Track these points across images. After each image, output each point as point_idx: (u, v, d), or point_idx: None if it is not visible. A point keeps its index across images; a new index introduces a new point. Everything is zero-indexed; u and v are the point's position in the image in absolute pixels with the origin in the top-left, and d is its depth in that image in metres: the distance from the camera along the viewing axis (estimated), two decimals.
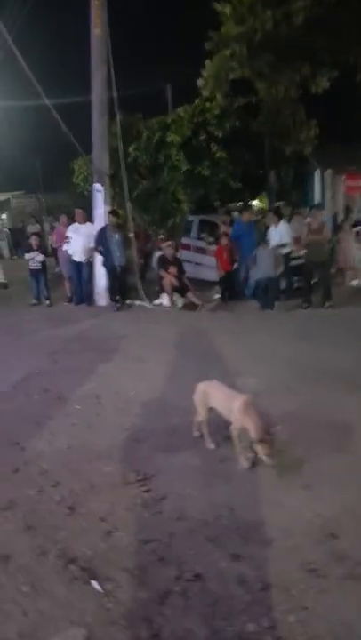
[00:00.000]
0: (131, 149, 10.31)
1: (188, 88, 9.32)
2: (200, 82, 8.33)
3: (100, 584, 2.31)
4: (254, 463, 3.20)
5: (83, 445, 3.68)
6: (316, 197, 16.06)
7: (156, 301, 9.74)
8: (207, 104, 9.83)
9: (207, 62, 8.07)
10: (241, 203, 17.38)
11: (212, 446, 3.49)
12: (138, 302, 9.74)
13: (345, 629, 1.99)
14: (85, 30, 9.28)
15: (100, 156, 9.59)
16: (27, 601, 2.22)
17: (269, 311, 8.61)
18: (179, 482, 3.11)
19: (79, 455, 3.54)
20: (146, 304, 9.64)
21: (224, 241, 9.15)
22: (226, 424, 3.46)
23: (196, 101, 10.00)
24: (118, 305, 9.34)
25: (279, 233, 9.29)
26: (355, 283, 11.11)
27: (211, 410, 3.48)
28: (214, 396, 3.46)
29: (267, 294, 8.78)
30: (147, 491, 3.04)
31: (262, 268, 8.68)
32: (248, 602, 2.17)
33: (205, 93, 8.98)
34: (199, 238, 12.31)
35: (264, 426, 3.11)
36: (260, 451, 3.08)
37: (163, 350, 6.11)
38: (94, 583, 2.32)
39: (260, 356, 5.72)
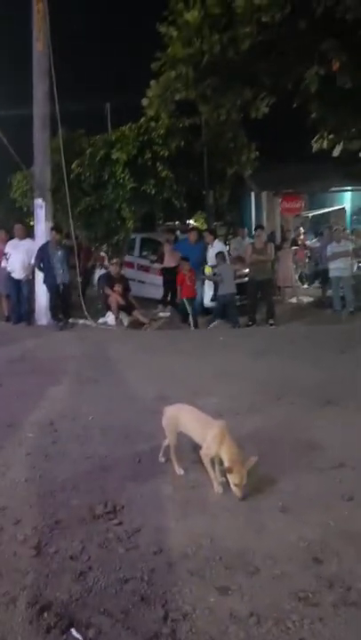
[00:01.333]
0: (74, 165, 10.11)
1: (133, 106, 9.29)
2: (145, 101, 8.34)
3: (81, 632, 2.10)
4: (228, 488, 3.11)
5: (42, 477, 3.42)
6: (253, 218, 16.60)
7: (101, 320, 9.51)
8: (152, 123, 9.86)
9: (152, 82, 8.10)
10: (178, 222, 17.61)
11: (181, 472, 3.35)
12: (82, 321, 9.46)
13: None
14: (29, 43, 9.07)
15: (41, 171, 9.31)
16: None
17: (223, 328, 8.72)
18: (151, 512, 2.95)
19: (39, 488, 3.28)
20: (90, 323, 9.38)
21: (186, 267, 9.15)
22: (194, 447, 3.36)
23: (142, 120, 10.01)
24: (61, 324, 9.02)
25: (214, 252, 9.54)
26: (293, 300, 11.52)
27: (180, 434, 3.36)
28: (186, 421, 3.34)
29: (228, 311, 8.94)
30: (118, 524, 2.85)
31: (227, 284, 8.85)
32: (243, 639, 2.05)
33: (150, 113, 8.99)
34: (142, 256, 12.27)
35: (240, 456, 3.02)
36: (231, 480, 2.98)
37: (115, 371, 5.92)
38: (74, 631, 2.10)
39: (218, 374, 5.68)
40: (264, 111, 9.72)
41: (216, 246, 9.72)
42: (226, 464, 3.00)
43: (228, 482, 3.03)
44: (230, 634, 2.07)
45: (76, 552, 2.62)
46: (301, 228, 14.53)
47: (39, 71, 9.04)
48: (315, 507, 2.93)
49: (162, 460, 3.51)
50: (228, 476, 2.98)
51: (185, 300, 9.10)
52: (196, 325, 9.08)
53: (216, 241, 10.00)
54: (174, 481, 3.29)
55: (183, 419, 3.33)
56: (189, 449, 3.45)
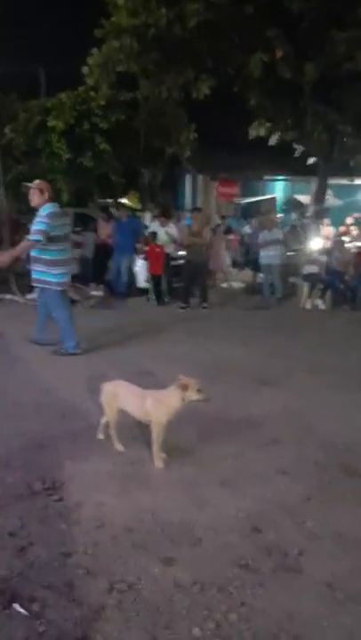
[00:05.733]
0: (7, 130, 9.55)
1: (70, 74, 8.89)
2: (85, 69, 8.02)
3: (25, 606, 2.05)
4: (168, 463, 3.15)
5: None
6: (187, 201, 16.64)
7: (29, 296, 9.14)
8: (92, 93, 9.51)
9: (95, 51, 7.80)
10: (112, 200, 17.27)
11: (121, 449, 3.34)
12: (9, 296, 9.05)
13: (286, 620, 2.04)
14: None
15: None
16: None
17: (155, 308, 8.71)
18: (92, 488, 2.92)
19: None
20: (18, 298, 9.00)
21: (154, 242, 9.03)
22: (132, 424, 3.36)
23: (80, 89, 9.62)
24: None
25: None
26: (225, 285, 11.74)
27: (119, 411, 3.33)
28: (124, 397, 3.31)
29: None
30: (58, 500, 2.80)
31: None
32: (188, 606, 2.10)
33: (90, 82, 8.68)
34: (75, 232, 11.90)
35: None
36: (191, 393, 3.06)
37: (46, 349, 5.74)
38: (17, 606, 2.05)
39: (154, 354, 5.69)
40: (205, 92, 9.74)
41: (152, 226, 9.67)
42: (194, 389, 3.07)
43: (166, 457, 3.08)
44: (175, 602, 2.12)
45: (15, 528, 2.54)
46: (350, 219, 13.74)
47: None
48: (253, 480, 3.04)
49: (100, 437, 3.47)
50: (186, 392, 3.04)
51: (150, 276, 9.05)
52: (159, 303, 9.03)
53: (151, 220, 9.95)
54: (114, 457, 3.27)
55: (121, 394, 3.30)
56: (128, 425, 3.44)
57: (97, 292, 9.94)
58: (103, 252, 10.13)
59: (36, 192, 5.41)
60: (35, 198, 5.43)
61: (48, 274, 5.39)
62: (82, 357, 5.49)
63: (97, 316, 8.11)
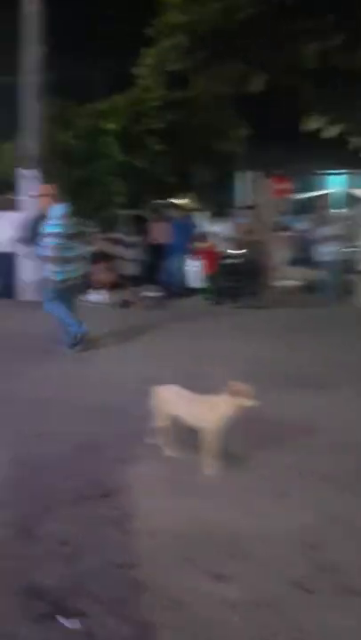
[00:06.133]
0: (62, 136, 9.78)
1: (123, 76, 8.97)
2: (138, 70, 8.05)
3: (72, 620, 2.03)
4: (220, 471, 3.07)
5: (28, 458, 3.33)
6: (241, 198, 16.37)
7: (88, 297, 9.34)
8: (145, 94, 9.56)
9: (147, 51, 7.82)
10: (167, 200, 17.30)
11: (172, 454, 3.29)
12: None
13: None
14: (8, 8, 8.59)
15: (29, 141, 8.98)
16: None
17: (211, 309, 8.64)
18: (144, 495, 2.89)
19: (26, 469, 3.19)
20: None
21: (209, 241, 9.04)
22: (184, 429, 3.29)
23: (134, 90, 9.69)
24: None
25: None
26: (280, 283, 11.46)
27: (171, 416, 3.28)
28: (176, 402, 3.26)
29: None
30: (110, 506, 2.78)
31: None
32: (240, 627, 2.01)
33: (143, 83, 8.71)
34: (129, 233, 12.02)
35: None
36: (243, 399, 2.98)
37: (104, 350, 5.81)
38: (65, 620, 2.04)
39: (206, 355, 5.62)
40: (259, 86, 9.53)
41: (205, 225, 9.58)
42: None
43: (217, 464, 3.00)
44: (226, 620, 2.03)
45: (67, 536, 2.54)
46: None
47: (30, 36, 8.59)
48: (310, 492, 2.90)
49: (151, 441, 3.44)
50: (238, 399, 2.96)
51: (205, 275, 9.00)
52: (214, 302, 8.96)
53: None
54: (166, 463, 3.23)
55: (173, 400, 3.25)
56: (179, 431, 3.39)
57: (151, 293, 9.99)
58: (157, 253, 10.16)
59: (43, 198, 5.66)
60: (44, 202, 5.63)
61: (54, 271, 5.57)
62: (132, 358, 5.51)
63: (151, 316, 8.14)
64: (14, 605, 2.10)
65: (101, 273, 9.09)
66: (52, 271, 5.58)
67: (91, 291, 9.36)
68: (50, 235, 5.45)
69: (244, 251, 9.01)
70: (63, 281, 5.60)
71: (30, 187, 8.97)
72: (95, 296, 9.24)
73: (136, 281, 10.42)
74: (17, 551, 2.44)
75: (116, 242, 11.41)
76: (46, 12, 8.41)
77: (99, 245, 9.44)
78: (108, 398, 4.33)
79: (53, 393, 4.50)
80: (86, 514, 2.72)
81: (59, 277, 5.58)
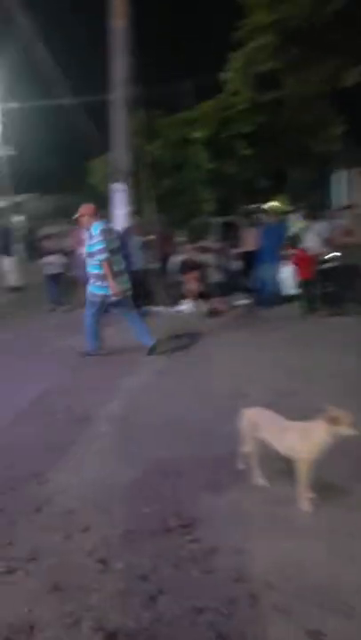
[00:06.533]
0: (151, 147, 9.90)
1: (209, 83, 8.84)
2: (225, 75, 7.87)
3: None
4: (317, 506, 2.73)
5: (112, 479, 3.23)
6: (340, 198, 15.53)
7: (177, 308, 9.28)
8: (232, 99, 9.36)
9: (234, 54, 7.61)
10: (258, 205, 16.92)
11: (262, 483, 3.01)
12: (156, 309, 9.28)
13: None
14: (97, 26, 8.89)
15: (120, 154, 9.18)
16: None
17: (307, 317, 8.14)
18: (230, 529, 2.64)
19: (110, 491, 3.08)
20: (165, 310, 9.18)
21: (303, 246, 8.67)
22: (277, 455, 2.98)
23: (221, 96, 9.53)
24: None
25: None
26: None
27: (260, 442, 3.00)
28: (265, 428, 2.97)
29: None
30: (193, 540, 2.57)
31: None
32: None
33: (232, 87, 8.52)
34: (220, 241, 11.83)
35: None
36: (343, 427, 2.63)
37: (190, 363, 5.65)
38: None
39: (300, 370, 5.22)
40: (354, 80, 8.91)
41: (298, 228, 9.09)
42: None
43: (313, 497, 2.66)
44: None
45: (147, 571, 2.37)
46: None
47: (118, 51, 8.81)
48: None
49: (241, 467, 3.18)
50: (335, 427, 2.63)
51: (300, 281, 8.60)
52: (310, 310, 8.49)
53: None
54: (255, 493, 2.95)
55: (263, 424, 2.96)
56: (272, 457, 3.09)
57: (242, 302, 9.69)
58: (248, 260, 9.84)
59: (83, 218, 5.82)
60: (84, 222, 5.83)
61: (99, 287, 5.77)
62: (220, 371, 5.27)
63: (241, 326, 7.85)
64: None
65: (191, 282, 8.96)
66: (98, 286, 5.79)
67: (181, 300, 9.30)
68: (95, 252, 5.65)
69: (341, 254, 8.38)
70: (109, 295, 5.78)
71: (121, 200, 9.17)
72: (184, 306, 9.15)
73: (226, 289, 10.19)
74: (96, 583, 2.31)
75: (206, 250, 11.29)
76: (133, 27, 8.56)
77: (188, 254, 9.34)
78: (194, 416, 4.13)
79: (135, 408, 4.39)
80: (168, 547, 2.54)
81: (104, 292, 5.77)
